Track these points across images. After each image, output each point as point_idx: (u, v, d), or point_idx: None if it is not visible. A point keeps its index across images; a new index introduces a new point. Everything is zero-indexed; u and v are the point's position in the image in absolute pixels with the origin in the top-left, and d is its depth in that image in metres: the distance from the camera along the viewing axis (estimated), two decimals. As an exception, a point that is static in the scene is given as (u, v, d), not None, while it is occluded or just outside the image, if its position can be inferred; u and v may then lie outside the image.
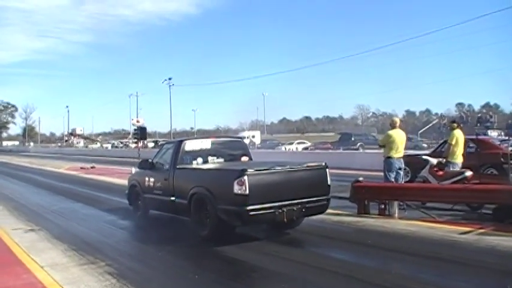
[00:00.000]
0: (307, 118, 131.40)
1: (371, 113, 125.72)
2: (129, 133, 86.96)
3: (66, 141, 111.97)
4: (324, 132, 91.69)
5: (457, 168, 11.51)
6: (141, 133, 30.73)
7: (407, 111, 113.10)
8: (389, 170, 11.24)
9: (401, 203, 10.44)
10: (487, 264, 6.54)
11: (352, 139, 50.95)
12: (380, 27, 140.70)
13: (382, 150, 11.90)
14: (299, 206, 8.15)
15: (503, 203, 9.07)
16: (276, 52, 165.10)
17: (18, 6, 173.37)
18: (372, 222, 9.64)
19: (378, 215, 10.18)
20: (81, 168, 30.94)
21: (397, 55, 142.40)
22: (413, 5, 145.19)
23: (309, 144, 56.17)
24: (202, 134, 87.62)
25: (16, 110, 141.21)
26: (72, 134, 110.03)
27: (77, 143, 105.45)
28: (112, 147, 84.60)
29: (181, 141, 10.19)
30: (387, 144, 11.36)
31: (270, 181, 8.03)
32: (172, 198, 9.41)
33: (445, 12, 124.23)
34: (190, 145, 10.05)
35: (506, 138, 22.52)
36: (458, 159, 11.81)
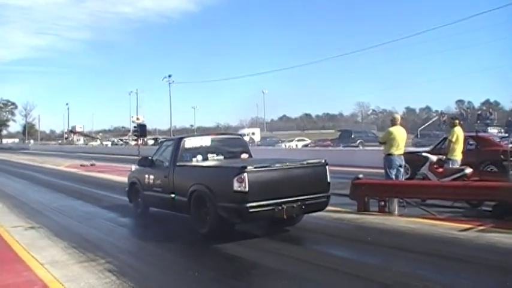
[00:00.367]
0: (307, 115, 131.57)
1: (371, 110, 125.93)
2: (129, 130, 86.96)
3: (66, 138, 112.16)
4: (324, 130, 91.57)
5: (457, 165, 11.52)
6: (141, 130, 30.70)
7: (407, 108, 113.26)
8: (390, 167, 11.25)
9: (401, 200, 10.43)
10: (487, 261, 6.54)
11: (352, 136, 50.81)
12: (380, 25, 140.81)
13: (382, 147, 11.90)
14: (299, 203, 8.15)
15: (503, 200, 9.07)
16: (276, 49, 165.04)
17: (17, 3, 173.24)
18: (372, 219, 9.64)
19: (378, 212, 10.18)
20: (81, 165, 30.91)
21: (397, 52, 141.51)
22: (413, 3, 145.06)
23: (308, 141, 56.08)
24: (202, 131, 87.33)
25: (16, 107, 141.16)
26: (72, 131, 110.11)
27: (77, 140, 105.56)
28: (112, 144, 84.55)
29: (181, 139, 10.18)
30: (388, 141, 11.35)
31: (270, 178, 8.03)
32: (172, 195, 9.41)
33: (445, 10, 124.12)
34: (190, 142, 10.05)
35: (506, 135, 22.57)
36: (458, 156, 11.81)
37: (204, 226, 8.49)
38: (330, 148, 40.54)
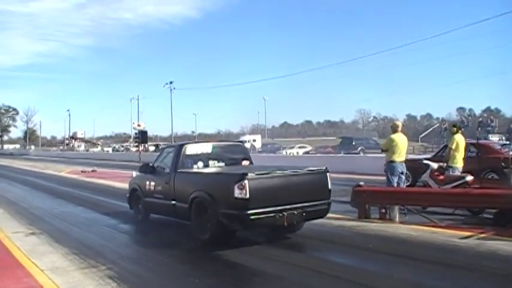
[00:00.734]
0: (308, 122, 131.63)
1: (372, 117, 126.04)
2: (130, 137, 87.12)
3: (67, 144, 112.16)
4: (325, 136, 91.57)
5: (458, 173, 11.51)
6: (142, 137, 30.85)
7: (409, 116, 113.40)
8: (392, 173, 11.25)
9: (402, 208, 10.42)
10: (488, 268, 6.53)
11: (353, 143, 50.88)
12: (382, 32, 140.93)
13: (384, 155, 11.90)
14: (299, 210, 8.14)
15: (504, 208, 9.06)
16: (277, 56, 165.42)
17: (20, 9, 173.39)
18: (373, 226, 9.63)
19: (379, 219, 10.17)
20: (82, 171, 30.94)
21: (398, 59, 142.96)
22: (414, 10, 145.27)
23: (310, 148, 56.22)
24: (203, 138, 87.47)
25: (17, 113, 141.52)
26: (73, 137, 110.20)
27: (78, 146, 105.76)
28: (113, 150, 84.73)
29: (182, 145, 10.20)
30: (390, 148, 11.36)
31: (271, 185, 8.03)
32: (173, 202, 9.42)
33: (446, 17, 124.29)
34: (191, 149, 10.07)
35: (507, 142, 22.55)
36: (459, 163, 11.81)
37: (204, 233, 8.48)
38: (331, 155, 40.57)
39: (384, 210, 10.25)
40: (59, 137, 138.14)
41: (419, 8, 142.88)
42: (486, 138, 31.91)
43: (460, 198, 9.65)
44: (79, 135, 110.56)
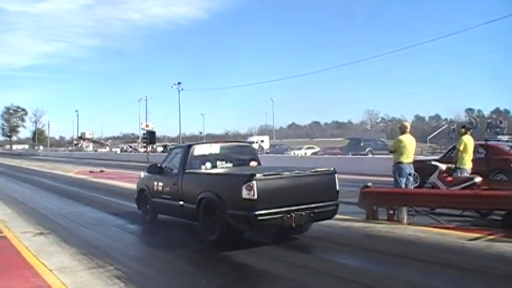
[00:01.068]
0: (316, 123, 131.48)
1: (380, 118, 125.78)
2: (138, 137, 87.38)
3: (75, 145, 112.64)
4: (332, 137, 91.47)
5: (466, 174, 11.47)
6: (150, 137, 30.85)
7: (417, 117, 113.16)
8: (400, 175, 11.20)
9: (410, 209, 10.39)
10: (497, 271, 6.49)
11: (361, 144, 50.79)
12: (390, 32, 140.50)
13: (392, 156, 11.86)
14: (307, 211, 8.13)
15: (513, 209, 9.03)
16: (285, 57, 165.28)
17: (28, 10, 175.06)
18: (381, 228, 9.60)
19: (387, 220, 10.14)
20: (90, 172, 31.05)
21: (406, 60, 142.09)
22: (424, 10, 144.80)
23: (317, 149, 56.10)
24: (211, 138, 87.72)
25: (26, 113, 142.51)
26: (82, 137, 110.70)
27: (86, 146, 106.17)
28: (121, 151, 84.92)
29: (190, 146, 10.21)
30: (398, 149, 11.31)
31: (278, 186, 8.02)
32: (181, 202, 9.43)
33: (455, 17, 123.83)
34: (199, 150, 10.07)
35: (516, 143, 22.40)
36: (467, 165, 11.77)
37: (212, 233, 8.48)
38: (339, 156, 40.52)
39: (391, 212, 10.22)
40: (67, 137, 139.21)
41: (429, 8, 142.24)
42: (495, 140, 31.75)
43: (469, 200, 9.61)
44: (87, 136, 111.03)
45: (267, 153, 52.73)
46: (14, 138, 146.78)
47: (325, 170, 8.80)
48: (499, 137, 37.50)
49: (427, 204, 10.36)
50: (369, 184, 11.07)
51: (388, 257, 7.54)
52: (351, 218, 10.49)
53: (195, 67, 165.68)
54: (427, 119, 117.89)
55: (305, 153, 50.68)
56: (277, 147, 65.40)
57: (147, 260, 7.96)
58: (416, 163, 12.05)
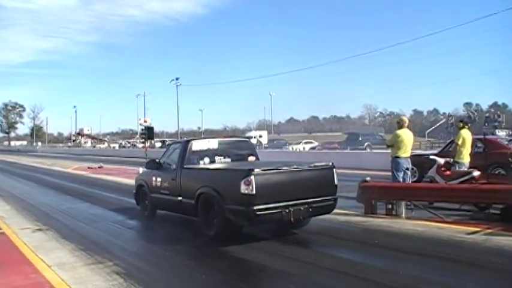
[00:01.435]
0: (315, 118, 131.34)
1: (378, 113, 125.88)
2: (136, 133, 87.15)
3: (73, 141, 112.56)
4: (331, 132, 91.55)
5: (464, 168, 11.49)
6: (148, 133, 30.80)
7: (415, 111, 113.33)
8: (397, 169, 11.21)
9: (408, 203, 10.40)
10: (495, 264, 6.51)
11: (360, 139, 50.97)
12: (388, 27, 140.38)
13: (389, 150, 11.87)
14: (306, 205, 8.14)
15: (511, 203, 9.04)
16: (283, 52, 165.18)
17: (26, 6, 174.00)
18: (379, 222, 9.62)
19: (385, 215, 10.15)
20: (89, 168, 31.07)
21: (404, 54, 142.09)
22: (421, 5, 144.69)
23: (316, 144, 56.18)
24: (210, 134, 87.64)
25: (24, 110, 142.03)
26: (80, 133, 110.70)
27: (85, 142, 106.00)
28: (119, 147, 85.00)
29: (188, 141, 10.21)
30: (395, 143, 11.30)
31: (277, 181, 8.03)
32: (180, 198, 9.44)
33: (453, 11, 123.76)
34: (197, 145, 10.07)
35: (515, 138, 22.44)
36: (466, 159, 11.79)
37: (211, 229, 8.49)
38: (337, 151, 40.64)
39: (390, 206, 10.23)
40: (66, 133, 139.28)
41: (427, 2, 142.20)
42: (493, 134, 31.78)
43: (467, 194, 9.63)
44: (85, 132, 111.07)
45: (265, 148, 52.80)
46: (12, 134, 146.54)
47: (323, 165, 8.80)
48: (496, 131, 37.58)
49: (425, 199, 10.37)
50: (368, 179, 11.07)
51: (386, 251, 7.55)
52: (349, 213, 10.51)
53: (194, 63, 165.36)
54: (425, 113, 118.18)
55: (303, 148, 50.79)
56: (275, 142, 65.51)
57: (146, 256, 7.97)
58: (414, 157, 12.06)
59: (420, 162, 13.75)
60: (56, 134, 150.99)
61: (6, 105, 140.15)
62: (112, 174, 25.66)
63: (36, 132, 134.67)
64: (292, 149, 50.00)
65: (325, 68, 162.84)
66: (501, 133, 35.73)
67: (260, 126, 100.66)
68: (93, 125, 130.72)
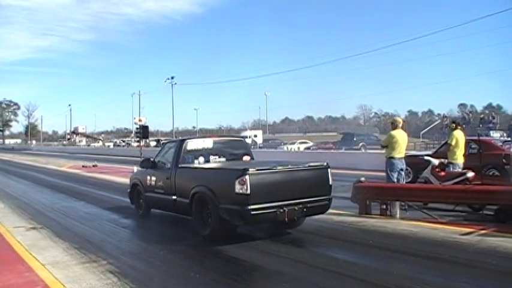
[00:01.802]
0: (310, 118, 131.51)
1: (373, 113, 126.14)
2: (131, 132, 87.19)
3: (68, 139, 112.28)
4: (326, 132, 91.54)
5: (458, 169, 11.53)
6: (143, 132, 30.83)
7: (410, 112, 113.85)
8: (391, 170, 11.24)
9: (403, 204, 10.42)
10: (489, 265, 6.53)
11: (354, 139, 50.93)
12: (383, 27, 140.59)
13: (384, 151, 11.90)
14: (300, 205, 8.14)
15: (505, 204, 9.08)
16: (279, 52, 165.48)
17: (21, 4, 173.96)
18: (374, 222, 9.64)
19: (380, 215, 10.17)
20: (83, 166, 30.99)
21: (399, 55, 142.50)
22: (416, 6, 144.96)
23: (311, 144, 56.15)
24: (205, 133, 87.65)
25: (19, 108, 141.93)
26: (75, 132, 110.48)
27: (79, 141, 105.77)
28: (114, 145, 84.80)
29: (183, 141, 10.21)
30: (390, 144, 11.34)
31: (272, 181, 8.02)
32: (174, 197, 9.43)
33: (448, 13, 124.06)
34: (192, 144, 10.06)
35: (509, 139, 22.52)
36: (459, 159, 11.84)
37: (205, 228, 8.49)
38: (332, 151, 40.63)
39: (384, 206, 10.25)
40: (60, 131, 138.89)
41: (421, 3, 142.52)
42: (487, 135, 31.89)
43: (461, 195, 9.65)
44: (80, 130, 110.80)
45: (260, 147, 52.80)
46: (7, 132, 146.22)
47: (318, 165, 8.80)
48: (491, 132, 37.69)
49: (419, 199, 10.40)
50: (362, 179, 11.09)
51: (381, 252, 7.56)
52: (344, 213, 10.52)
53: (189, 62, 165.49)
54: (420, 114, 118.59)
55: (298, 148, 50.78)
56: (270, 141, 65.51)
57: (141, 255, 7.95)
58: (409, 158, 12.08)
59: (415, 163, 13.79)
60: (50, 132, 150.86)
61: (0, 103, 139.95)
62: (106, 172, 25.63)
63: (31, 131, 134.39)
64: (287, 148, 50.01)
65: (320, 68, 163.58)
66: (495, 134, 35.83)
67: (255, 126, 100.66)
68: (88, 124, 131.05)
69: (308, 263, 6.93)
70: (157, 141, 68.65)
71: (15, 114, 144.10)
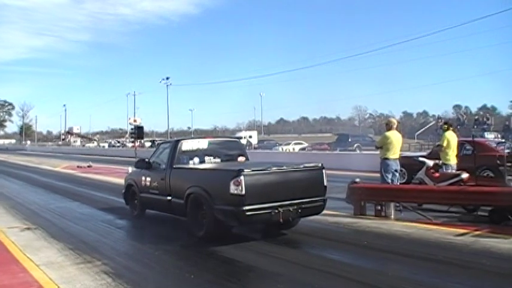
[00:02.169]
0: (305, 119, 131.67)
1: (368, 114, 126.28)
2: (126, 132, 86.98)
3: (63, 139, 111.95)
4: (321, 133, 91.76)
5: (451, 170, 11.57)
6: (138, 132, 30.78)
7: (405, 113, 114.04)
8: (386, 171, 11.27)
9: (397, 205, 10.44)
10: (483, 266, 6.55)
11: (349, 140, 50.94)
12: (378, 29, 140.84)
13: (378, 152, 11.92)
14: (295, 206, 8.15)
15: (499, 205, 9.10)
16: (275, 52, 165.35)
17: (17, 4, 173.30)
18: (368, 223, 9.65)
19: (374, 216, 10.19)
20: (78, 167, 30.91)
21: (394, 56, 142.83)
22: (411, 7, 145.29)
23: (306, 145, 56.16)
24: (200, 133, 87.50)
25: (13, 108, 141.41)
26: (69, 132, 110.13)
27: (74, 141, 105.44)
28: (109, 146, 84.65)
29: (178, 141, 10.20)
30: (384, 145, 11.37)
31: (267, 181, 8.03)
32: (169, 197, 9.42)
33: (444, 14, 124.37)
34: (187, 145, 10.06)
35: (503, 140, 22.62)
36: (452, 160, 11.90)
37: (200, 229, 8.49)
38: (327, 152, 40.62)
39: (379, 207, 10.27)
40: (55, 132, 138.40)
41: (416, 5, 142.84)
42: (482, 136, 31.96)
43: (455, 196, 9.68)
44: (75, 131, 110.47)
45: (255, 148, 52.77)
46: (1, 132, 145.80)
47: (313, 166, 8.82)
48: (485, 133, 37.79)
49: (414, 200, 10.42)
50: (357, 180, 11.10)
51: (375, 253, 7.57)
52: (339, 214, 10.53)
53: (185, 62, 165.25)
54: (415, 115, 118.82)
55: (293, 149, 50.79)
56: (265, 142, 65.43)
57: (135, 255, 7.94)
58: (403, 159, 12.10)
59: (409, 164, 13.83)
60: (45, 132, 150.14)
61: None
62: (101, 173, 25.58)
63: (26, 131, 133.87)
64: (282, 149, 50.01)
65: (315, 69, 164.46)
66: (490, 136, 35.93)
67: (250, 127, 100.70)
68: (83, 124, 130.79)
69: (303, 264, 6.94)
70: (152, 141, 68.45)
71: (10, 114, 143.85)
